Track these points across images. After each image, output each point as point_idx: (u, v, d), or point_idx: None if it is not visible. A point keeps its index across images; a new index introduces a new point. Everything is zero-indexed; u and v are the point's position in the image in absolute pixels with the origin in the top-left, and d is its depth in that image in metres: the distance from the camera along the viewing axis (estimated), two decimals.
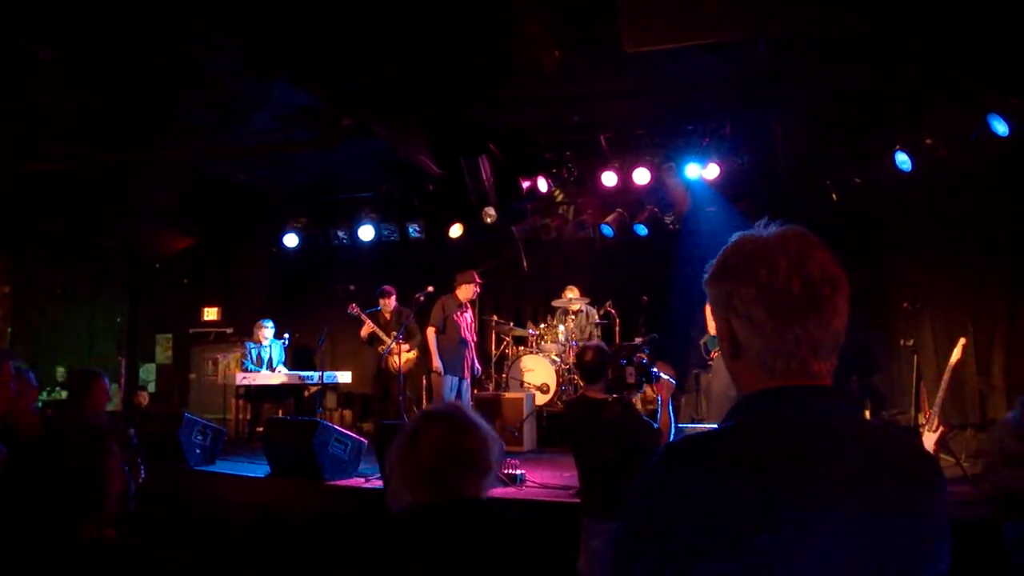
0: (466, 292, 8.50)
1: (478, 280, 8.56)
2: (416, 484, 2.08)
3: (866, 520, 1.14)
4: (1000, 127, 6.48)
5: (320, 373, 9.45)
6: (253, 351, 9.83)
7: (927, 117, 7.35)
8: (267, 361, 9.88)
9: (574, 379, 8.67)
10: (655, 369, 4.15)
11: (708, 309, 1.45)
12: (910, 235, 8.03)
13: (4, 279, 11.22)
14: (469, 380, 8.54)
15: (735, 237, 1.32)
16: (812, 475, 1.15)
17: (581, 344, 7.35)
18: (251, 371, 9.69)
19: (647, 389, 4.32)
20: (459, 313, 8.47)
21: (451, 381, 8.32)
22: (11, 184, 8.82)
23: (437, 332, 8.40)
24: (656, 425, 4.17)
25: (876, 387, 8.45)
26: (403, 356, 8.75)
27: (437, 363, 8.35)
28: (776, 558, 1.11)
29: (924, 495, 1.22)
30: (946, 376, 6.17)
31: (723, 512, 1.13)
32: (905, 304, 7.54)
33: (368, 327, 9.18)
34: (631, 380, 4.06)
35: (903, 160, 7.58)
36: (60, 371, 11.43)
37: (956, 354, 6.18)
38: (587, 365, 4.33)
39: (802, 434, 1.19)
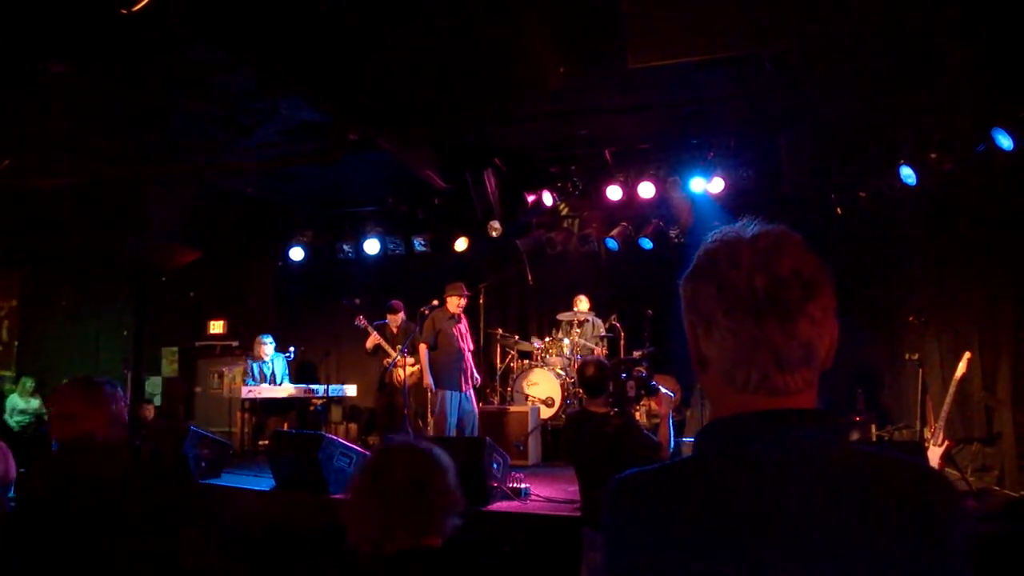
0: (453, 304, 8.31)
1: (465, 292, 8.41)
2: (388, 529, 1.94)
3: (823, 571, 0.99)
4: (1005, 141, 6.48)
5: (326, 386, 9.48)
6: (255, 367, 9.84)
7: (932, 131, 7.35)
8: (270, 376, 9.88)
9: (579, 392, 8.66)
10: (654, 382, 4.17)
11: None
12: (915, 249, 8.02)
13: (12, 293, 11.29)
14: (471, 392, 8.37)
15: (710, 235, 1.17)
16: (760, 521, 1.01)
17: (582, 358, 7.38)
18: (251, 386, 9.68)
19: (651, 403, 4.35)
20: (451, 326, 8.31)
21: (450, 396, 8.14)
22: (19, 199, 8.88)
23: (429, 348, 8.29)
24: (656, 438, 4.19)
25: (881, 401, 8.43)
26: (407, 370, 8.78)
27: (428, 379, 8.22)
28: None
29: (914, 539, 1.00)
30: (951, 390, 6.16)
31: (658, 561, 1.05)
32: (911, 318, 7.52)
33: (373, 339, 9.25)
34: (631, 394, 4.09)
35: (908, 174, 7.59)
36: None
37: (961, 368, 6.16)
38: (588, 379, 4.36)
39: (755, 472, 1.04)
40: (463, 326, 8.50)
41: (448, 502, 1.98)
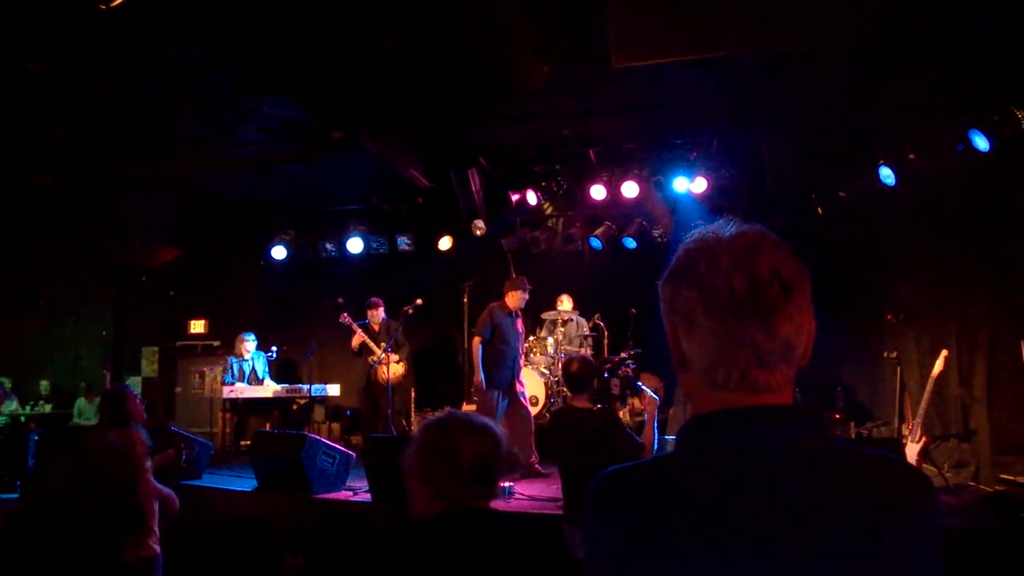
0: (514, 300, 7.85)
1: (527, 287, 7.99)
2: (451, 493, 2.07)
3: (803, 564, 1.00)
4: (981, 143, 6.57)
5: (309, 386, 9.44)
6: (235, 365, 9.77)
7: (910, 132, 7.44)
8: (249, 374, 9.82)
9: (563, 391, 8.67)
10: (640, 382, 4.19)
11: None
12: (894, 248, 8.10)
13: None
14: (525, 393, 7.95)
15: (688, 235, 1.18)
16: (744, 516, 1.02)
17: (567, 356, 7.36)
18: (230, 384, 9.61)
19: (635, 401, 4.38)
20: (510, 323, 7.84)
21: (499, 395, 7.63)
22: None
23: (483, 343, 7.68)
24: (640, 439, 4.21)
25: (860, 399, 8.51)
26: (392, 368, 8.74)
27: (480, 377, 7.61)
28: None
29: (891, 531, 1.03)
30: (929, 388, 6.24)
31: (641, 556, 1.05)
32: (889, 316, 7.61)
33: (359, 337, 9.22)
34: (616, 391, 4.11)
35: (887, 174, 7.67)
36: (44, 384, 11.36)
37: (938, 366, 6.25)
38: (573, 375, 4.38)
39: (736, 467, 1.06)
40: (520, 325, 8.02)
41: (504, 470, 2.16)
